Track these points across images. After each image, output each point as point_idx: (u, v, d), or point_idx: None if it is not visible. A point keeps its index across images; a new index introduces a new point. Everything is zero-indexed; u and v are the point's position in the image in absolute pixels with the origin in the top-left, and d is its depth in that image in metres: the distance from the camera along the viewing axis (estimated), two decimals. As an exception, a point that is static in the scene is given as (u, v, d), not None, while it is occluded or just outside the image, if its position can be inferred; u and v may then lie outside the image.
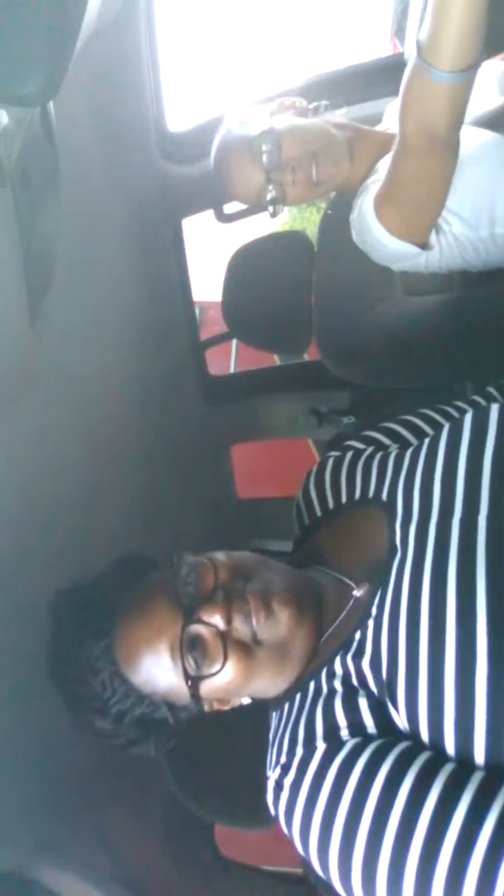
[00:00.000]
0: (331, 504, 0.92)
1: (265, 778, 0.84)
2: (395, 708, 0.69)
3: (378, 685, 0.71)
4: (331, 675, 0.76)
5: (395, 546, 0.77)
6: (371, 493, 0.86)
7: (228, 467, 2.13)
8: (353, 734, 0.70)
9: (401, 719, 0.69)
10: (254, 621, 0.75)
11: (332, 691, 0.74)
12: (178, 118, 1.53)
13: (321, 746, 0.71)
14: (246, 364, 2.59)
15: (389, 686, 0.69)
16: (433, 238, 1.18)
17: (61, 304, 0.96)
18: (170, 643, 0.76)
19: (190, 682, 0.76)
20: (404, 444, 0.92)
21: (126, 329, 1.42)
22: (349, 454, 0.94)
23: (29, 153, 0.76)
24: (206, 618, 0.75)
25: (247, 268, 1.68)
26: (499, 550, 0.68)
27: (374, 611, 0.75)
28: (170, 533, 1.66)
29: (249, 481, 2.21)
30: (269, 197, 1.20)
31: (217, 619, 0.75)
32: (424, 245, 1.16)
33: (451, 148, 1.04)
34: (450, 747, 0.65)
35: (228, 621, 0.75)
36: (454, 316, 1.39)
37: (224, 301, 1.68)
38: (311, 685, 0.79)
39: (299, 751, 0.74)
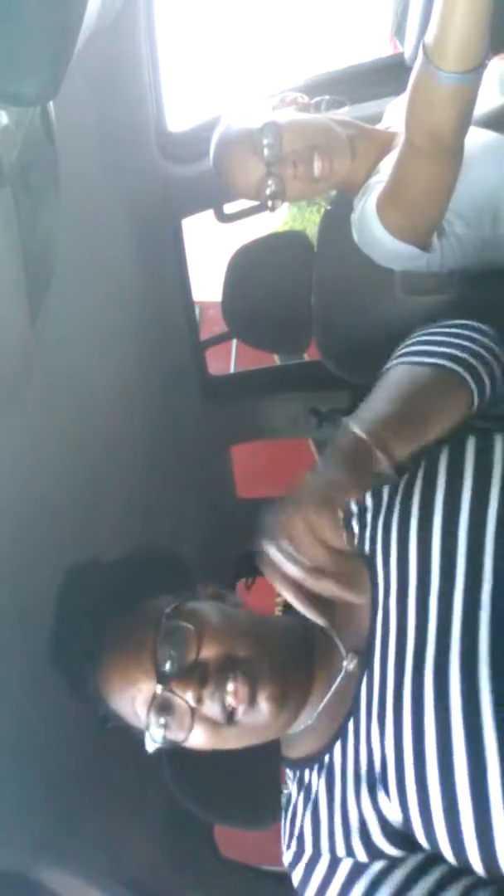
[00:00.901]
0: None
1: (266, 779, 0.85)
2: (413, 833, 0.68)
3: (370, 779, 0.71)
4: (331, 766, 0.77)
5: (376, 621, 0.75)
6: (355, 540, 0.82)
7: (228, 467, 2.13)
8: (374, 860, 0.70)
9: (421, 841, 0.68)
10: (237, 707, 0.75)
11: (343, 795, 0.74)
12: (178, 118, 1.53)
13: (346, 863, 0.72)
14: (246, 364, 2.59)
15: (383, 783, 0.69)
16: (435, 240, 1.17)
17: (61, 303, 0.96)
18: (141, 698, 0.77)
19: (154, 745, 0.78)
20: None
21: (126, 329, 1.42)
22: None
23: (29, 153, 0.76)
24: (178, 691, 0.75)
25: (247, 268, 1.68)
26: (474, 643, 0.66)
27: (362, 701, 0.74)
28: (170, 533, 1.66)
29: (249, 481, 2.21)
30: (268, 191, 1.19)
31: (188, 696, 0.74)
32: (426, 247, 1.16)
33: (456, 151, 1.03)
34: (476, 865, 0.64)
35: (198, 701, 0.75)
36: (454, 316, 1.39)
37: (224, 301, 1.68)
38: (315, 766, 0.79)
39: (325, 853, 0.74)
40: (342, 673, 0.77)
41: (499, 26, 0.99)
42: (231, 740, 0.77)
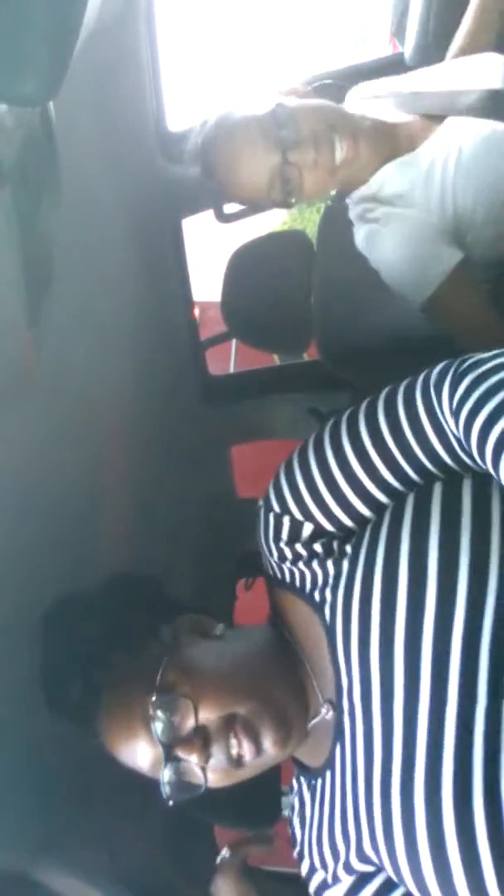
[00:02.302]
0: (286, 575, 0.86)
1: (266, 781, 0.86)
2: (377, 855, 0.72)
3: (356, 821, 0.75)
4: (322, 791, 0.81)
5: (342, 695, 0.76)
6: (317, 596, 0.82)
7: (228, 467, 2.13)
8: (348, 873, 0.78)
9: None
10: (244, 756, 0.76)
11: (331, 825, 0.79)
12: (178, 118, 1.53)
13: (346, 879, 0.78)
14: (246, 364, 2.59)
15: (374, 849, 0.72)
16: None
17: (60, 303, 0.96)
18: (148, 763, 0.78)
19: (171, 797, 0.78)
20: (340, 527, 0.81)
21: (125, 329, 1.42)
22: (286, 521, 0.83)
23: (29, 153, 0.76)
24: (183, 755, 0.76)
25: (247, 268, 1.68)
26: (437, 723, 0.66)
27: (336, 761, 0.78)
28: (169, 534, 1.66)
29: (249, 481, 2.21)
30: (283, 185, 1.05)
31: (193, 758, 0.76)
32: None
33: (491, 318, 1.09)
34: None
35: (206, 759, 0.76)
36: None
37: (224, 301, 1.68)
38: (305, 784, 0.85)
39: (330, 866, 0.80)
40: (318, 717, 0.80)
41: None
42: (245, 776, 0.79)
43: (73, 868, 1.02)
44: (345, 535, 0.80)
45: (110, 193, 1.31)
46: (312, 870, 0.82)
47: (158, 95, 1.39)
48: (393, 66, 1.62)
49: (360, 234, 1.23)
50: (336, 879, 0.79)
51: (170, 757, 0.76)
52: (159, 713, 0.75)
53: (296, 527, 0.82)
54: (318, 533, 0.81)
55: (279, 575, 0.87)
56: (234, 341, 2.34)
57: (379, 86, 1.32)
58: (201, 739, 0.75)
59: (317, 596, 0.81)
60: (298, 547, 0.82)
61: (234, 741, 0.75)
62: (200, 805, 1.07)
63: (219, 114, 1.14)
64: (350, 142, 1.07)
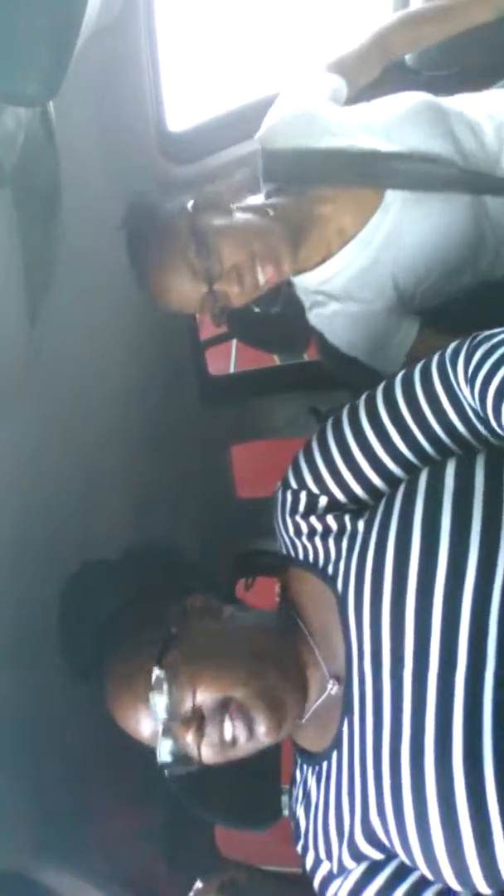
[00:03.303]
0: (300, 553, 0.89)
1: (266, 780, 0.86)
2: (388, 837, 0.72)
3: (364, 802, 0.75)
4: (329, 774, 0.81)
5: (352, 667, 0.77)
6: (330, 569, 0.83)
7: (228, 467, 2.13)
8: (357, 862, 0.77)
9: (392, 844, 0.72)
10: (237, 738, 0.77)
11: (338, 806, 0.79)
12: (178, 118, 1.53)
13: (354, 870, 0.77)
14: (246, 364, 2.59)
15: (381, 817, 0.72)
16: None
17: (61, 303, 0.96)
18: (148, 733, 0.80)
19: (166, 770, 0.81)
20: (355, 500, 0.85)
21: (126, 329, 1.42)
22: (303, 496, 0.87)
23: (29, 153, 0.76)
24: (178, 734, 0.78)
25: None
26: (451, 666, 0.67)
27: (344, 737, 0.78)
28: (169, 533, 1.66)
29: (249, 481, 2.21)
30: (214, 310, 1.13)
31: (189, 739, 0.78)
32: None
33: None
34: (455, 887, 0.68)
35: (201, 738, 0.78)
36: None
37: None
38: (309, 770, 0.85)
39: (335, 853, 0.79)
40: (325, 694, 0.81)
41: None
42: (238, 755, 0.80)
43: (73, 868, 1.02)
44: (357, 508, 0.83)
45: (110, 193, 1.31)
46: (317, 862, 0.82)
47: (158, 95, 1.39)
48: (393, 66, 1.62)
49: (312, 316, 1.26)
50: (343, 869, 0.78)
51: (167, 732, 0.78)
52: (160, 690, 0.77)
53: (312, 500, 0.85)
54: (333, 505, 0.84)
55: (292, 552, 0.89)
56: (234, 341, 2.33)
57: (294, 131, 1.24)
58: (197, 720, 0.78)
59: (329, 569, 0.83)
60: (313, 520, 0.85)
61: (228, 724, 0.77)
62: (200, 804, 1.07)
63: (147, 221, 1.15)
64: (272, 267, 1.11)
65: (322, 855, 0.81)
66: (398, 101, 1.22)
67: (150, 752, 0.81)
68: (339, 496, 0.84)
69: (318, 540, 0.85)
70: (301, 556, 0.88)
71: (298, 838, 0.86)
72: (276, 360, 2.63)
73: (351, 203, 1.20)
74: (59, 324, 0.99)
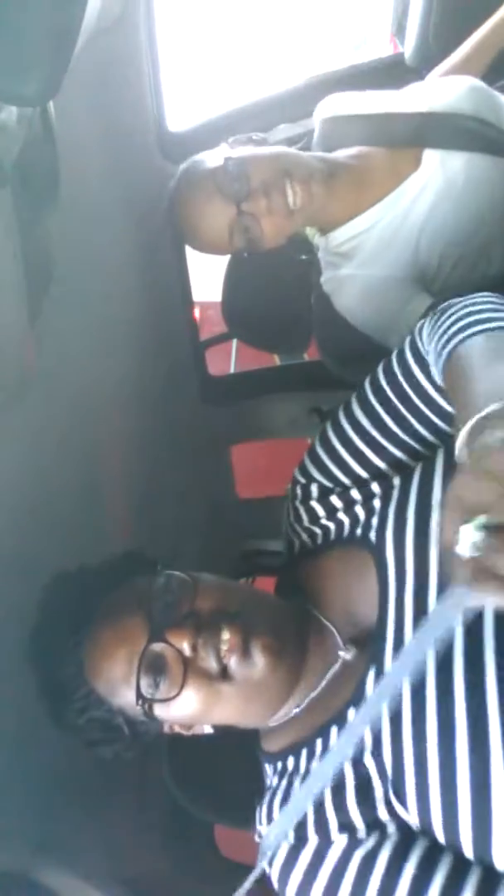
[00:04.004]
0: (319, 538, 0.88)
1: (264, 781, 0.84)
2: (405, 808, 0.67)
3: (383, 781, 0.68)
4: (326, 749, 0.74)
5: (387, 614, 0.73)
6: (359, 532, 0.82)
7: (228, 467, 2.13)
8: (370, 832, 0.68)
9: (412, 818, 0.67)
10: (226, 658, 0.72)
11: (340, 780, 0.71)
12: (178, 118, 1.53)
13: (339, 840, 0.69)
14: (246, 364, 2.59)
15: (396, 786, 0.67)
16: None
17: (61, 303, 0.96)
18: (129, 656, 0.74)
19: (142, 702, 0.74)
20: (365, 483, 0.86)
21: (126, 329, 1.42)
22: (314, 487, 0.88)
23: (29, 153, 0.76)
24: (172, 640, 0.72)
25: (247, 267, 1.67)
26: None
27: (368, 691, 0.72)
28: (169, 533, 1.66)
29: (249, 481, 2.21)
30: (242, 233, 1.09)
31: (184, 645, 0.72)
32: None
33: None
34: (468, 851, 0.63)
35: (193, 649, 0.72)
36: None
37: (224, 301, 1.67)
38: (304, 752, 0.76)
39: (312, 836, 0.71)
40: (338, 663, 0.76)
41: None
42: (228, 699, 0.74)
43: (73, 868, 1.02)
44: (369, 490, 0.84)
45: (110, 193, 1.31)
46: (327, 844, 0.73)
47: (158, 95, 1.39)
48: (393, 66, 1.62)
49: (325, 279, 1.25)
50: (361, 840, 0.69)
51: (159, 639, 0.72)
52: (158, 593, 0.74)
53: (323, 488, 0.88)
54: (343, 491, 0.86)
55: (309, 542, 0.89)
56: (234, 341, 2.34)
57: (349, 103, 1.31)
58: (193, 625, 0.72)
59: (358, 531, 0.82)
60: (333, 498, 0.86)
61: (225, 634, 0.72)
62: (199, 803, 1.07)
63: (182, 168, 1.17)
64: (302, 185, 1.08)
65: (300, 836, 0.73)
66: (447, 80, 1.26)
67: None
68: (346, 481, 0.86)
69: (340, 514, 0.85)
70: (321, 538, 0.88)
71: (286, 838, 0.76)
72: (276, 360, 2.63)
73: (387, 162, 1.21)
74: (59, 324, 0.99)
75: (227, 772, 1.10)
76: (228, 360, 2.79)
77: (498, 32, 1.33)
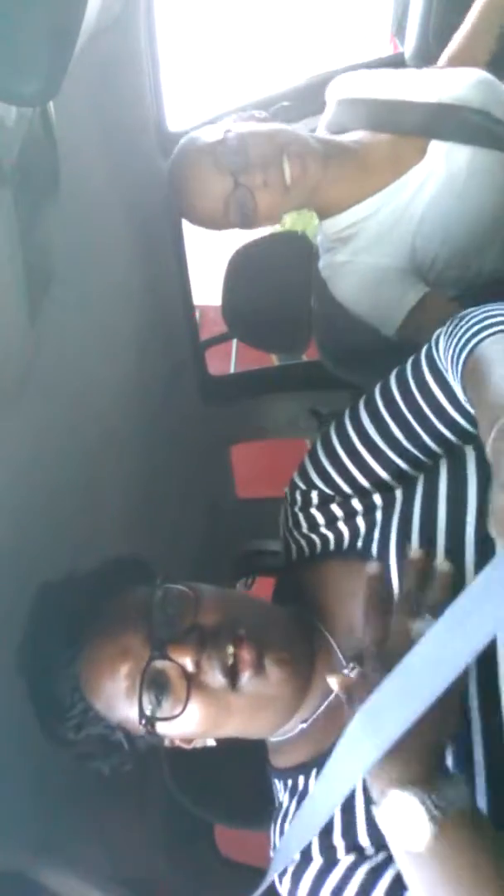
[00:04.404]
0: (318, 546, 0.86)
1: (266, 778, 0.84)
2: None
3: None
4: None
5: None
6: (359, 544, 0.80)
7: (228, 467, 2.13)
8: (378, 851, 0.68)
9: None
10: (241, 673, 0.69)
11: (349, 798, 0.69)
12: (178, 118, 1.53)
13: (345, 860, 0.69)
14: (246, 364, 2.59)
15: None
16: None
17: (61, 304, 0.96)
18: (131, 673, 0.71)
19: (144, 721, 0.71)
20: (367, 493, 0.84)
21: (126, 329, 1.42)
22: (314, 494, 0.86)
23: (29, 153, 0.76)
24: (174, 656, 0.69)
25: (247, 268, 1.68)
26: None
27: None
28: (169, 533, 1.66)
29: (249, 481, 2.21)
30: (237, 207, 1.09)
31: (186, 661, 0.69)
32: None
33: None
34: None
35: (197, 665, 0.69)
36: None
37: (224, 301, 1.67)
38: (314, 772, 0.75)
39: (316, 856, 0.71)
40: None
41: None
42: (235, 713, 0.71)
43: (73, 868, 1.02)
44: (369, 501, 0.82)
45: (110, 193, 1.31)
46: (358, 862, 0.72)
47: (158, 95, 1.39)
48: (393, 66, 1.62)
49: (323, 264, 1.25)
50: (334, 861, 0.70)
51: (160, 654, 0.69)
52: (159, 606, 0.71)
53: (324, 495, 0.85)
54: (344, 499, 0.84)
55: (307, 550, 0.87)
56: (234, 341, 2.34)
57: (363, 85, 1.31)
58: (197, 639, 0.69)
59: (359, 543, 0.79)
60: (333, 507, 0.84)
61: (230, 649, 0.69)
62: (200, 804, 1.07)
63: (182, 141, 1.17)
64: (299, 162, 1.09)
65: (305, 855, 0.72)
66: (458, 71, 1.25)
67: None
68: (348, 490, 0.84)
69: (340, 524, 0.83)
70: (320, 548, 0.85)
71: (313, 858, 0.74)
72: (275, 360, 2.63)
73: (391, 150, 1.21)
74: (60, 324, 0.98)
75: (228, 772, 1.10)
76: (228, 360, 2.79)
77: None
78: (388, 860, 0.66)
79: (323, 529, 0.86)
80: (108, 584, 0.81)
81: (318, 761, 0.76)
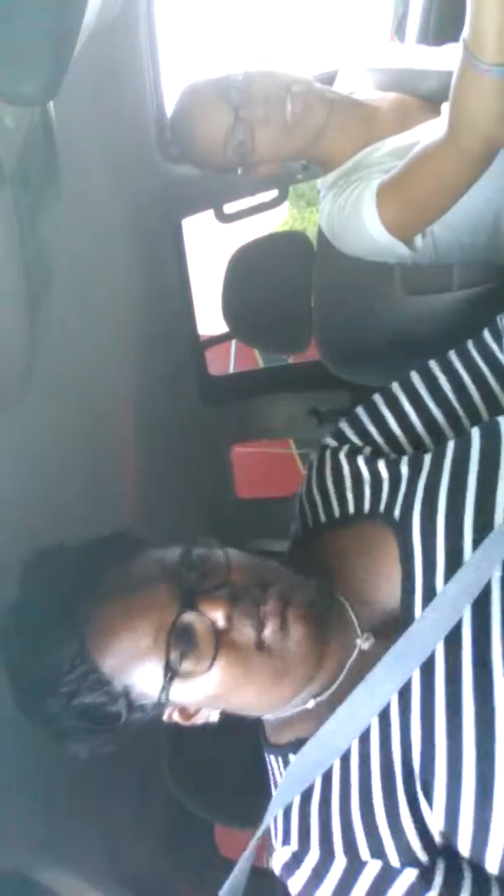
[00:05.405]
0: (336, 510, 0.84)
1: (265, 780, 0.84)
2: (430, 807, 0.65)
3: (406, 775, 0.66)
4: (346, 758, 0.70)
5: (413, 603, 0.69)
6: (367, 505, 0.79)
7: (228, 467, 2.13)
8: (374, 855, 0.66)
9: (435, 820, 0.65)
10: (265, 624, 0.67)
11: (366, 790, 0.67)
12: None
13: (340, 860, 0.67)
14: (246, 364, 2.59)
15: (425, 786, 0.65)
16: (419, 240, 1.12)
17: (61, 304, 0.96)
18: (156, 627, 0.67)
19: (169, 675, 0.67)
20: (401, 450, 0.84)
21: (126, 329, 1.42)
22: (345, 448, 0.86)
23: (29, 153, 0.76)
24: (205, 609, 0.67)
25: (247, 268, 1.68)
26: None
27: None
28: (169, 533, 1.66)
29: (249, 481, 2.21)
30: (237, 144, 1.09)
31: (218, 615, 0.67)
32: (411, 246, 1.11)
33: (490, 154, 0.96)
34: (492, 865, 0.62)
35: (228, 619, 0.67)
36: (454, 316, 1.39)
37: (224, 301, 1.67)
38: None
39: (314, 848, 0.69)
40: (355, 652, 0.72)
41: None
42: (258, 673, 0.68)
43: (73, 868, 1.02)
44: (398, 456, 0.82)
45: (110, 193, 1.31)
46: (302, 854, 0.71)
47: (158, 95, 1.39)
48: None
49: (325, 216, 1.19)
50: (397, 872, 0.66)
51: (191, 607, 0.67)
52: (190, 566, 0.70)
53: (354, 448, 0.86)
54: (376, 453, 0.84)
55: (325, 517, 0.85)
56: (234, 341, 2.34)
57: (374, 55, 1.31)
58: (228, 595, 0.67)
59: (381, 507, 0.77)
60: (360, 464, 0.83)
61: (263, 606, 0.67)
62: (200, 803, 1.07)
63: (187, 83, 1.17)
64: (302, 101, 1.09)
65: (326, 850, 0.69)
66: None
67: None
68: (379, 440, 0.85)
69: (366, 486, 0.81)
70: (338, 512, 0.83)
71: (289, 835, 0.73)
72: (260, 361, 2.64)
73: (400, 108, 1.21)
74: (60, 324, 0.98)
75: (229, 771, 1.10)
76: (228, 360, 2.79)
77: None
78: (421, 882, 0.64)
79: (347, 492, 0.83)
80: (108, 551, 0.79)
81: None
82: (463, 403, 0.83)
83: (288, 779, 0.72)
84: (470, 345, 0.86)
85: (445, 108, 1.01)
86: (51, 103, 0.80)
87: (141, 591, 0.69)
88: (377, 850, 0.66)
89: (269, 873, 0.77)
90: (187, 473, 1.80)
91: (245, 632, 0.67)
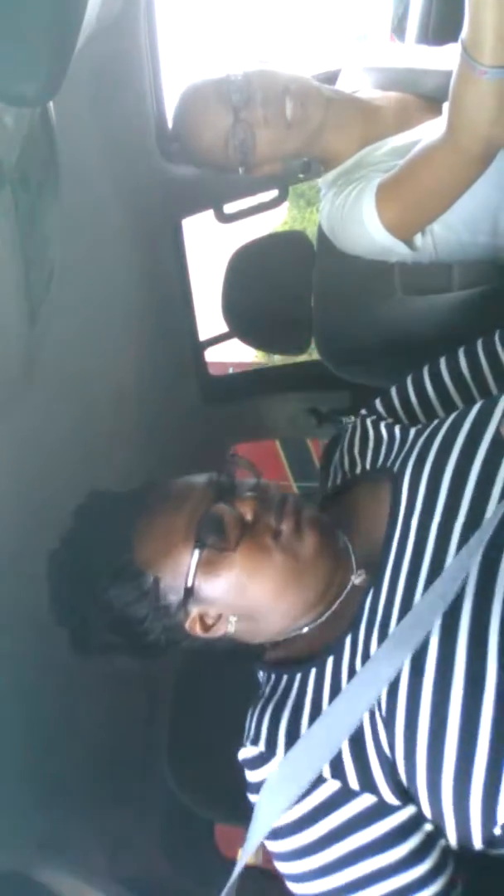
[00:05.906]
0: (358, 468, 0.92)
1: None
2: (385, 729, 0.69)
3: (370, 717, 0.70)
4: (320, 678, 0.75)
5: (392, 538, 0.77)
6: (380, 461, 0.87)
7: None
8: (364, 788, 0.69)
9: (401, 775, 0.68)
10: (283, 524, 0.75)
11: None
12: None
13: (331, 784, 0.70)
14: (246, 364, 2.59)
15: (380, 711, 0.69)
16: (419, 238, 1.12)
17: (61, 304, 0.96)
18: (190, 514, 0.76)
19: (199, 549, 0.75)
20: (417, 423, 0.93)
21: (126, 329, 1.42)
22: (370, 420, 0.94)
23: (29, 153, 0.76)
24: (238, 505, 0.76)
25: (247, 268, 1.68)
26: (493, 577, 0.67)
27: (364, 615, 0.74)
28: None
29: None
30: (237, 145, 1.10)
31: (247, 509, 0.76)
32: (411, 245, 1.11)
33: (490, 156, 0.97)
34: (450, 831, 0.67)
35: (256, 516, 0.76)
36: (454, 316, 1.39)
37: (224, 301, 1.67)
38: (298, 676, 0.78)
39: (279, 754, 0.73)
40: (349, 586, 0.78)
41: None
42: (273, 568, 0.75)
43: (73, 868, 1.02)
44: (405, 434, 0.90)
45: (110, 193, 1.31)
46: (268, 756, 0.75)
47: (158, 95, 1.39)
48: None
49: (326, 213, 1.20)
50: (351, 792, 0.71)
51: (224, 500, 0.76)
52: (227, 472, 0.81)
53: (380, 418, 0.95)
54: (396, 422, 0.93)
55: (346, 476, 0.93)
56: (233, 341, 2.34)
57: (380, 54, 1.31)
58: (258, 497, 0.77)
59: (390, 463, 0.86)
60: (382, 427, 0.92)
61: (285, 510, 0.76)
62: (200, 800, 1.07)
63: (188, 83, 1.18)
64: (301, 101, 1.10)
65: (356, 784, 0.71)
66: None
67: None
68: (404, 418, 0.95)
69: (382, 447, 0.90)
70: (359, 470, 0.91)
71: (259, 737, 0.77)
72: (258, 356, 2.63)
73: (401, 107, 1.21)
74: (60, 324, 0.99)
75: (229, 770, 1.10)
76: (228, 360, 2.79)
77: None
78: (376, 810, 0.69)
79: (368, 452, 0.91)
80: (151, 487, 0.86)
81: (303, 666, 0.78)
82: (479, 388, 0.91)
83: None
84: (496, 336, 0.93)
85: (446, 107, 1.01)
86: (51, 103, 0.80)
87: (185, 483, 0.81)
88: (338, 771, 0.70)
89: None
90: (187, 474, 1.80)
91: (267, 527, 0.76)
